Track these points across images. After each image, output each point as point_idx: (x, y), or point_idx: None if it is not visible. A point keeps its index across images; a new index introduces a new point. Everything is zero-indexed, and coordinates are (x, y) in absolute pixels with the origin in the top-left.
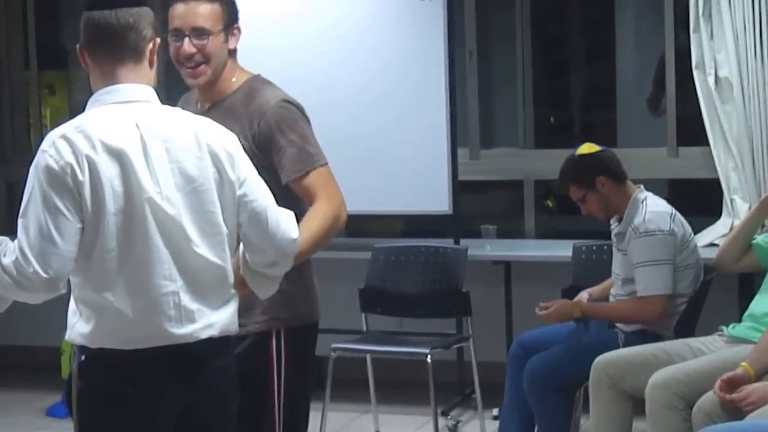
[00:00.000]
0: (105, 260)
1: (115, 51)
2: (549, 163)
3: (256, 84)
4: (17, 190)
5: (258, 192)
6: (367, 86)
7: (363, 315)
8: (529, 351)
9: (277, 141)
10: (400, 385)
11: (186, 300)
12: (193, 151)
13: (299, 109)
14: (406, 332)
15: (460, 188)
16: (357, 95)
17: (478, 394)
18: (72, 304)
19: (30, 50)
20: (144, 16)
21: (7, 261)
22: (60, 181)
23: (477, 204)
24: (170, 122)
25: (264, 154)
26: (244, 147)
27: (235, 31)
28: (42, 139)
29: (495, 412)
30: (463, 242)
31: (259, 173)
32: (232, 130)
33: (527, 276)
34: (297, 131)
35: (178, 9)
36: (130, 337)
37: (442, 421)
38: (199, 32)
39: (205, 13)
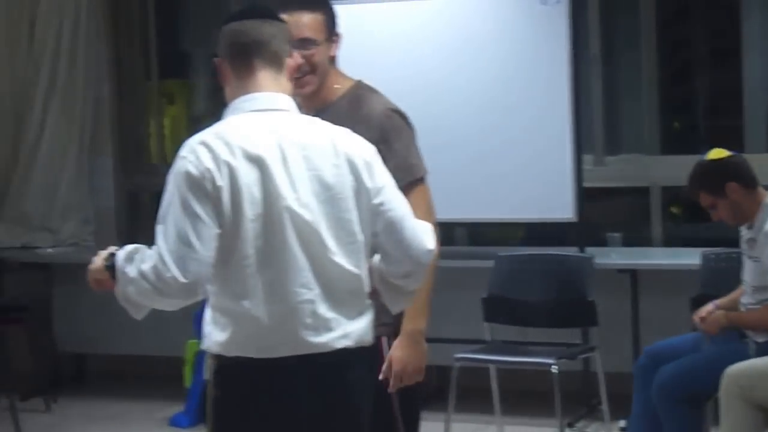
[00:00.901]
0: (242, 267)
1: (257, 59)
2: (676, 169)
3: (361, 91)
4: (138, 200)
5: (395, 201)
6: (490, 92)
7: (486, 324)
8: (658, 361)
9: (381, 150)
10: (524, 396)
11: (322, 309)
12: (330, 159)
13: (404, 118)
14: (529, 342)
15: (584, 195)
16: (479, 101)
17: (605, 405)
18: (208, 313)
19: (151, 60)
20: (285, 29)
21: (146, 267)
22: (199, 187)
23: (602, 211)
24: (308, 130)
25: None
26: None
27: (336, 38)
28: (180, 146)
29: (622, 423)
30: (588, 250)
31: None
32: None
33: (654, 285)
34: (402, 141)
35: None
36: (266, 345)
37: None
38: (305, 43)
39: (310, 23)
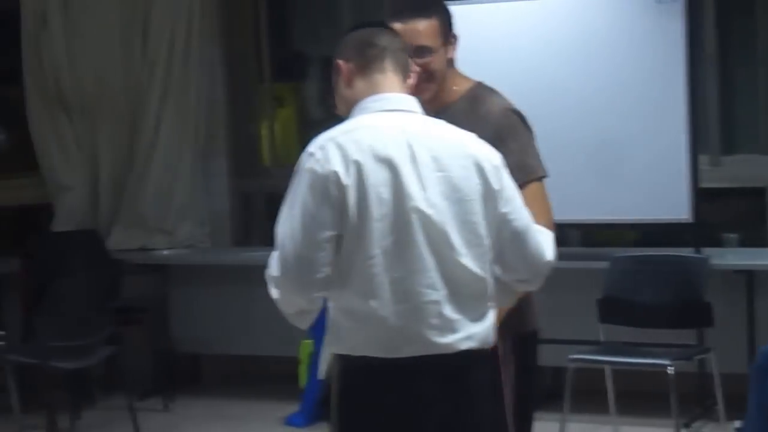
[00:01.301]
0: (368, 267)
1: (389, 63)
2: None
3: (480, 91)
4: (251, 201)
5: (521, 211)
6: (605, 92)
7: (601, 325)
8: None
9: (498, 149)
10: (639, 397)
11: (448, 310)
12: (459, 161)
13: (522, 118)
14: (644, 343)
15: (700, 195)
16: (594, 101)
17: (720, 406)
18: (332, 313)
19: (263, 62)
20: (404, 41)
21: (267, 272)
22: (321, 187)
23: (717, 212)
24: (436, 131)
25: None
26: None
27: (453, 40)
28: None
29: (737, 424)
30: (704, 251)
31: None
32: None
33: None
34: (518, 141)
35: (396, 28)
36: (393, 345)
37: None
38: (422, 51)
39: (426, 31)
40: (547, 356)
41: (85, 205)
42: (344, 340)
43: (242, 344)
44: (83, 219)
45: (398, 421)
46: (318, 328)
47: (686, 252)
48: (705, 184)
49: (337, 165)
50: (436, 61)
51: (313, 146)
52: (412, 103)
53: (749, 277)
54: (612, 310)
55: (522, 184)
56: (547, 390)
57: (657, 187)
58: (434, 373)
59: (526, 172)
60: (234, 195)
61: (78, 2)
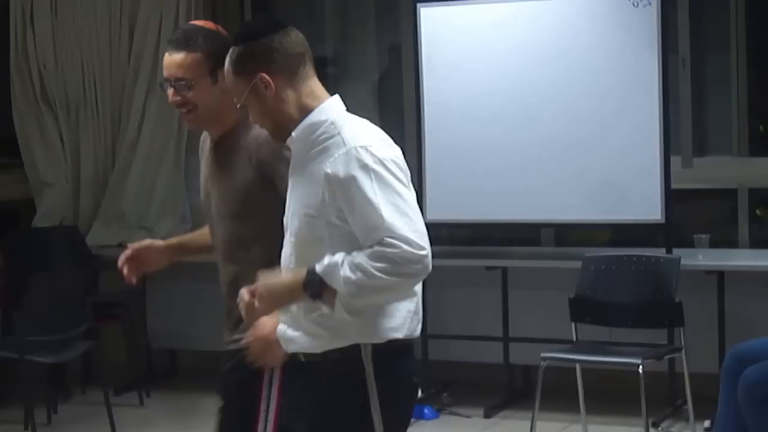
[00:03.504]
0: None
1: (310, 66)
2: (764, 170)
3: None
4: None
5: None
6: (578, 93)
7: (573, 324)
8: (745, 362)
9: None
10: (610, 396)
11: None
12: None
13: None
14: (615, 342)
15: (672, 196)
16: (568, 102)
17: (690, 406)
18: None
19: None
20: None
21: (382, 264)
22: (396, 167)
23: (689, 212)
24: None
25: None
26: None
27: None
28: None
29: (706, 424)
30: (676, 251)
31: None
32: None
33: (741, 286)
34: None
35: (165, 58)
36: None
37: None
38: (180, 81)
39: (185, 63)
40: (519, 354)
41: (67, 201)
42: (392, 326)
43: (218, 340)
44: (65, 215)
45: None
46: None
47: (658, 252)
48: (676, 185)
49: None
50: (197, 95)
51: (362, 142)
52: None
53: (720, 277)
54: (583, 309)
55: None
56: (518, 389)
57: (629, 187)
58: None
59: None
60: None
61: (66, 0)
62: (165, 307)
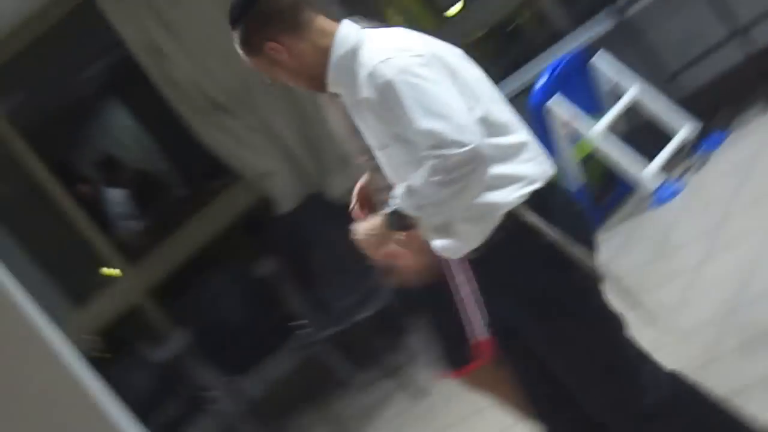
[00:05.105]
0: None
1: (311, 9)
2: None
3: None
4: None
5: None
6: None
7: None
8: None
9: None
10: None
11: None
12: None
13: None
14: None
15: None
16: None
17: None
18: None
19: None
20: None
21: (437, 177)
22: (428, 65)
23: None
24: None
25: None
26: None
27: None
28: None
29: None
30: None
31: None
32: None
33: None
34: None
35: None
36: None
37: None
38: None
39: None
40: None
41: (293, 176)
42: (518, 195)
43: None
44: (300, 190)
45: None
46: None
47: None
48: None
49: (416, 47)
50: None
51: (379, 58)
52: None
53: None
54: None
55: None
56: None
57: None
58: None
59: None
60: None
61: (174, 20)
62: None
